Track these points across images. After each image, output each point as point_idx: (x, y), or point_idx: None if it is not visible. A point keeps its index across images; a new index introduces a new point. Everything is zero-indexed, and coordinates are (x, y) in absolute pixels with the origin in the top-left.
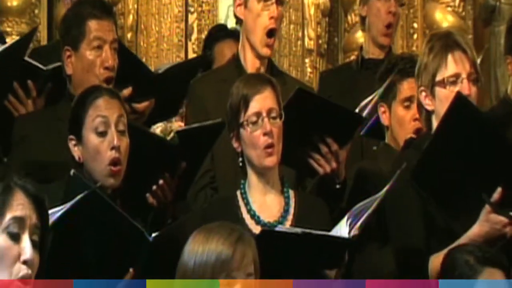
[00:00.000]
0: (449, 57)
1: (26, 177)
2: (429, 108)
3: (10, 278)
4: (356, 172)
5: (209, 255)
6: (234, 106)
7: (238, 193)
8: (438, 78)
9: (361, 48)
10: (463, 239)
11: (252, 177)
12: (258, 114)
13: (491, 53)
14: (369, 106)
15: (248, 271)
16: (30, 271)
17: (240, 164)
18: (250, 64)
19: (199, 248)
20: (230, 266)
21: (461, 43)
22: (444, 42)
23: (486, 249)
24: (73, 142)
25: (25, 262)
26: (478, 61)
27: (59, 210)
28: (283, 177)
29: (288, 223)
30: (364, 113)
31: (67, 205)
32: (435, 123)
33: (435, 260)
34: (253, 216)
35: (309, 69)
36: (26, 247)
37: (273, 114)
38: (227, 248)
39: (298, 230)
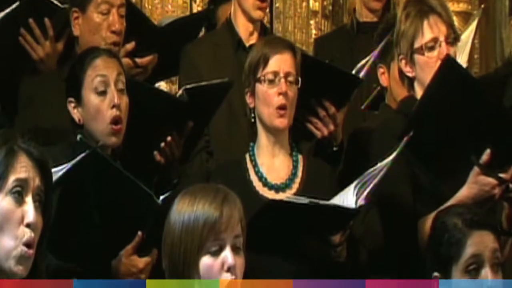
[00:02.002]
0: (425, 23)
1: (31, 139)
2: (410, 75)
3: (14, 242)
4: (352, 132)
5: (196, 219)
6: (253, 62)
7: (247, 155)
8: (416, 45)
9: (354, 10)
10: (452, 202)
11: (262, 137)
12: (275, 73)
13: (496, 15)
14: (366, 67)
15: (235, 232)
16: (33, 235)
17: (252, 120)
18: (243, 28)
19: (185, 212)
20: (218, 228)
21: (435, 7)
22: (419, 8)
23: (475, 211)
24: (72, 104)
25: (28, 225)
26: (476, 20)
27: (59, 170)
28: (293, 142)
29: (295, 186)
30: (361, 75)
31: (68, 165)
32: (417, 89)
33: (424, 224)
34: (261, 178)
35: (314, 31)
36: (29, 210)
37: (290, 78)
38: (214, 211)
39: (306, 200)
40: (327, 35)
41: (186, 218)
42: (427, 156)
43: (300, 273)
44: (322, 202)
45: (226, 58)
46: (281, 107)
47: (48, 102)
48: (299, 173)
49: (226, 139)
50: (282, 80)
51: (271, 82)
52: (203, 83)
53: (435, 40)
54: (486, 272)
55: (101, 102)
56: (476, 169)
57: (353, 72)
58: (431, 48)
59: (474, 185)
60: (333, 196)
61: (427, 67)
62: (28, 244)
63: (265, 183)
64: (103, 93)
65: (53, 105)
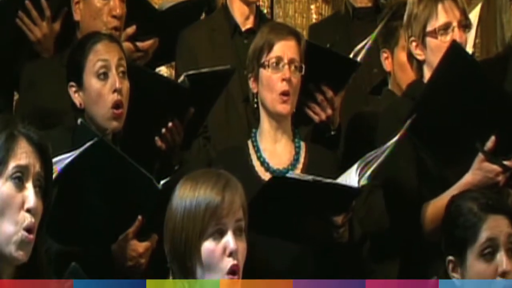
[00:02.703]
0: (439, 6)
1: (31, 124)
2: (420, 58)
3: (15, 228)
4: (354, 116)
5: (198, 204)
6: (257, 48)
7: (249, 141)
8: (429, 28)
9: None
10: (456, 187)
11: (264, 123)
12: (279, 59)
13: None
14: (363, 51)
15: (237, 217)
16: (33, 220)
17: (255, 105)
18: (239, 12)
19: (187, 198)
20: (219, 213)
21: None
22: None
23: (490, 195)
24: (74, 88)
25: (28, 210)
26: (479, 5)
27: (65, 158)
28: (295, 129)
29: (297, 172)
30: (358, 58)
31: (74, 154)
32: (426, 73)
33: (428, 208)
34: (263, 163)
35: (314, 15)
36: (30, 195)
37: (294, 65)
38: (215, 196)
39: (309, 177)
40: (322, 22)
41: (187, 203)
42: (431, 141)
43: (303, 254)
44: (325, 180)
45: (223, 43)
46: (284, 93)
47: (48, 87)
48: (301, 159)
49: (224, 124)
50: (286, 66)
51: (275, 67)
52: (205, 69)
53: (448, 24)
54: (501, 256)
55: (102, 86)
56: (480, 155)
57: (351, 55)
58: (444, 32)
59: (478, 171)
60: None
61: (438, 51)
62: (28, 229)
63: (267, 168)
64: (104, 78)
65: (54, 90)
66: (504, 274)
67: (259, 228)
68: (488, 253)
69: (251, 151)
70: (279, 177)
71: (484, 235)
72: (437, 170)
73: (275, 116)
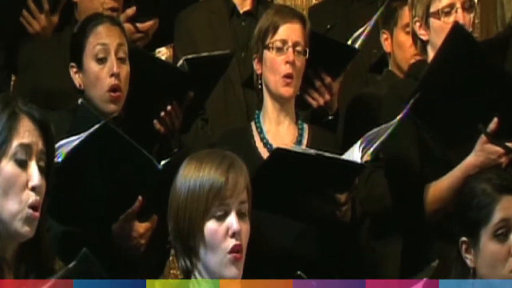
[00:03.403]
0: None
1: (30, 103)
2: (424, 38)
3: (19, 206)
4: (354, 97)
5: (202, 184)
6: (262, 29)
7: (253, 123)
8: (433, 9)
9: None
10: (458, 169)
11: (268, 104)
12: (284, 42)
13: None
14: (362, 37)
15: (241, 198)
16: (38, 198)
17: (259, 86)
18: None
19: (191, 177)
20: (223, 194)
21: None
22: None
23: (504, 176)
24: (74, 69)
25: (33, 189)
26: None
27: (71, 141)
28: (299, 111)
29: None
30: (357, 44)
31: (80, 137)
32: (430, 53)
33: (430, 189)
34: (266, 144)
35: None
36: (34, 174)
37: (298, 48)
38: (219, 176)
39: (312, 151)
40: (322, 3)
41: (192, 183)
42: (434, 122)
43: (305, 232)
44: (328, 154)
45: (221, 25)
46: (288, 76)
47: (46, 67)
48: (304, 141)
49: (222, 107)
50: (290, 49)
51: (279, 50)
52: (204, 53)
53: (451, 5)
54: None
55: (100, 69)
56: (483, 137)
57: (350, 42)
58: (448, 13)
59: (481, 153)
60: None
61: (441, 32)
62: (33, 207)
63: (270, 150)
64: (103, 61)
65: (51, 70)
66: None
67: (261, 204)
68: (501, 234)
69: (255, 133)
70: (282, 149)
71: (497, 215)
72: (440, 151)
73: (278, 99)
